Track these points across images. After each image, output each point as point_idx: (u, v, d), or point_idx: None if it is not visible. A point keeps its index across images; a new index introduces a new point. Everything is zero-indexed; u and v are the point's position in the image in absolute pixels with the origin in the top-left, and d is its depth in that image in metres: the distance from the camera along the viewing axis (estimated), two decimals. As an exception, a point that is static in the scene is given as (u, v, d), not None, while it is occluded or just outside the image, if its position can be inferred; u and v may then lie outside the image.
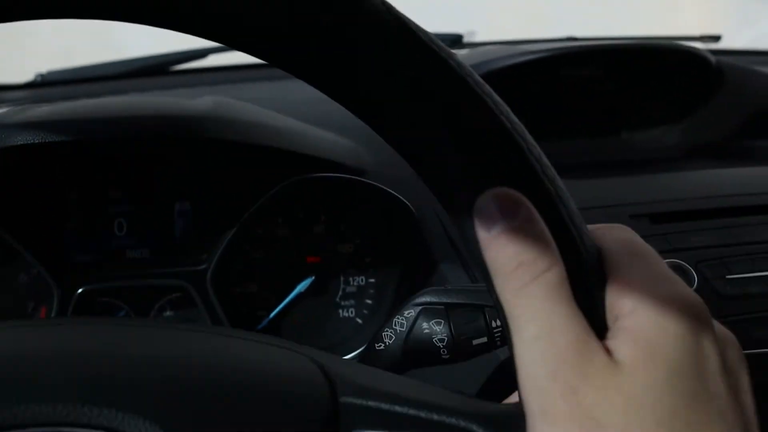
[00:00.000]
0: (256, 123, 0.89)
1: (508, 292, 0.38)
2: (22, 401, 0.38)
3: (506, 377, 0.69)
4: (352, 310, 0.98)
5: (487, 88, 0.40)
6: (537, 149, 0.41)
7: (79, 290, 0.90)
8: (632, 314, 0.37)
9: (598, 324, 0.39)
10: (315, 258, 0.97)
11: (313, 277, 0.96)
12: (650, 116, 1.32)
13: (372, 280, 0.98)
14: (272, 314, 0.96)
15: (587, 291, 0.39)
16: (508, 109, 0.41)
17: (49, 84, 1.38)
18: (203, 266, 0.91)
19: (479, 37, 1.63)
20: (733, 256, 0.87)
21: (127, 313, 0.93)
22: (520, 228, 0.38)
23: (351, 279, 0.98)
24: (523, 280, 0.37)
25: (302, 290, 0.96)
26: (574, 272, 0.39)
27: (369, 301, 0.98)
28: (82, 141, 0.83)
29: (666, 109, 1.32)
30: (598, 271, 0.40)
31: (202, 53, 1.41)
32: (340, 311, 0.98)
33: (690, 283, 0.83)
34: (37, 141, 0.82)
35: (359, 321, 0.98)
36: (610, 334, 0.38)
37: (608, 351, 0.37)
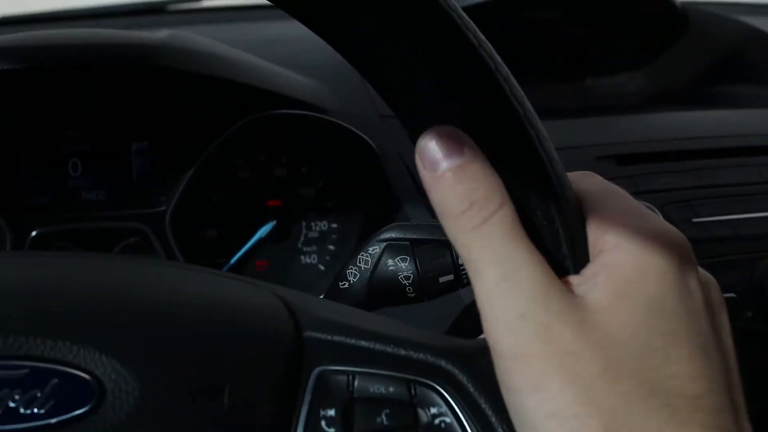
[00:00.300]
0: (212, 54, 0.86)
1: (461, 234, 0.36)
2: None
3: (473, 318, 0.68)
4: (315, 256, 0.96)
5: (472, 24, 0.39)
6: (511, 79, 0.39)
7: (33, 233, 0.87)
8: (615, 250, 0.36)
9: (576, 262, 0.38)
10: (276, 201, 0.95)
11: (274, 222, 0.94)
12: (614, 62, 1.31)
13: (334, 225, 0.96)
14: (233, 260, 0.94)
15: (566, 229, 0.38)
16: (489, 46, 0.39)
17: (26, 21, 1.34)
18: (162, 208, 0.89)
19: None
20: (699, 198, 0.86)
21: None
22: (465, 166, 0.36)
23: (313, 224, 0.96)
24: (475, 221, 0.36)
25: (263, 235, 0.94)
26: (553, 209, 0.38)
27: (332, 247, 0.96)
28: (30, 69, 0.79)
29: (629, 55, 1.30)
30: (578, 209, 0.39)
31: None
32: (302, 257, 0.96)
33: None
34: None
35: (321, 267, 0.96)
36: (588, 270, 0.37)
37: (585, 288, 0.36)
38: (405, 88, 0.41)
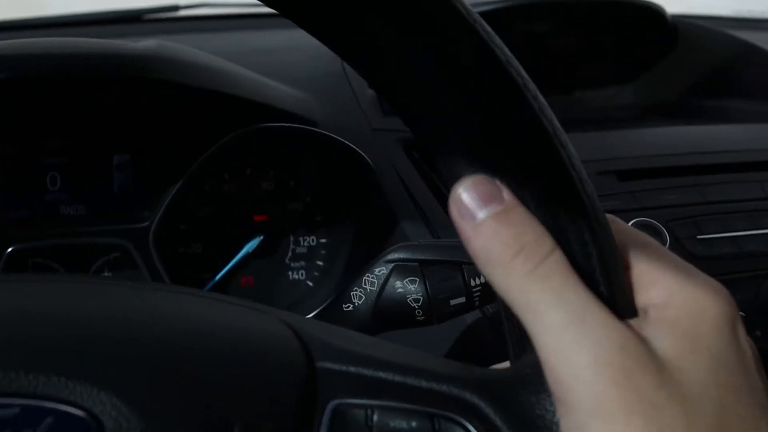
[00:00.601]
0: (202, 65, 0.82)
1: (514, 279, 0.34)
2: None
3: (479, 340, 0.65)
4: (303, 272, 0.93)
5: (498, 39, 0.37)
6: (540, 97, 0.37)
7: (9, 249, 0.83)
8: (666, 306, 0.34)
9: (624, 312, 0.35)
10: (263, 216, 0.92)
11: (261, 237, 0.91)
12: (603, 75, 1.30)
13: (323, 240, 0.93)
14: (218, 276, 0.90)
15: (608, 278, 0.36)
16: (517, 62, 0.37)
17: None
18: (145, 224, 0.85)
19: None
20: (704, 215, 0.84)
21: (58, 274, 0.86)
22: (508, 212, 0.35)
23: (301, 239, 0.93)
24: (529, 265, 0.34)
25: (249, 251, 0.91)
26: (597, 257, 0.36)
27: (320, 263, 0.93)
28: (10, 79, 0.75)
29: (619, 68, 1.29)
30: (615, 244, 0.37)
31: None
32: (290, 273, 0.93)
33: (662, 242, 0.80)
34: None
35: (310, 284, 0.93)
36: (643, 326, 0.35)
37: (648, 334, 0.34)
38: (428, 108, 0.38)
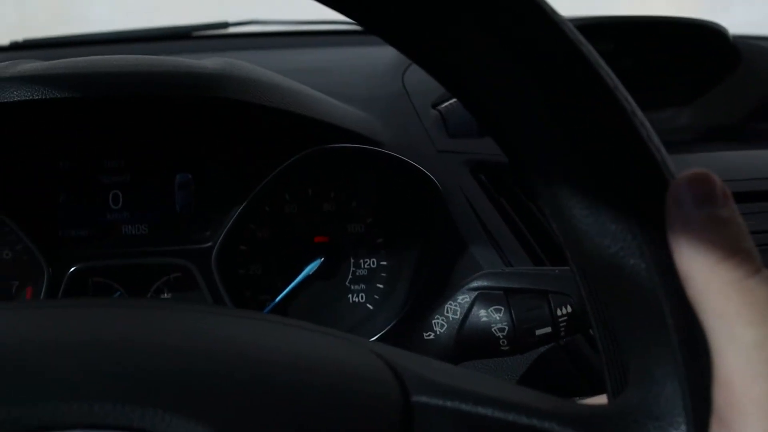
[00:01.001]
0: (271, 85, 0.81)
1: (717, 283, 0.33)
2: (49, 399, 0.31)
3: (554, 370, 0.64)
4: (363, 294, 0.91)
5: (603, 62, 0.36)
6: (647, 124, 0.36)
7: (72, 269, 0.82)
8: None
9: None
10: (323, 238, 0.91)
11: (322, 259, 0.89)
12: (661, 96, 1.28)
13: (384, 263, 0.91)
14: (278, 298, 0.89)
15: None
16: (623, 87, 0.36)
17: (50, 45, 1.31)
18: (208, 244, 0.84)
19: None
20: (780, 242, 0.82)
21: (122, 294, 0.85)
22: (731, 216, 0.34)
23: (362, 261, 0.91)
24: (739, 273, 0.33)
25: (310, 273, 0.89)
26: None
27: (381, 286, 0.91)
28: (80, 98, 0.75)
29: (678, 89, 1.27)
30: None
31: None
32: (350, 296, 0.91)
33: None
34: (33, 97, 0.73)
35: (370, 306, 0.91)
36: None
37: None
38: (526, 130, 0.38)
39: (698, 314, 0.34)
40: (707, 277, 0.33)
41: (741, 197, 0.89)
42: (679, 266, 0.34)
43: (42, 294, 0.82)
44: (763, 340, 0.32)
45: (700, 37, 1.19)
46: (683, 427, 0.35)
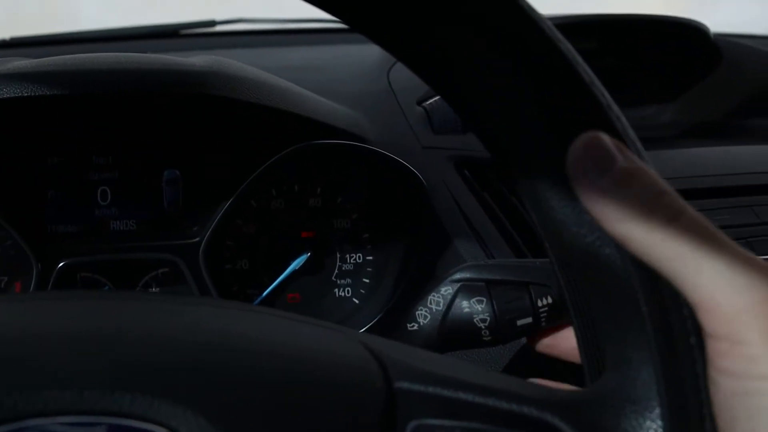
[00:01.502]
0: (258, 82, 0.82)
1: (659, 231, 0.34)
2: (43, 387, 0.32)
3: (535, 359, 0.65)
4: (349, 289, 0.92)
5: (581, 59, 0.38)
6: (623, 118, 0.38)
7: (60, 264, 0.83)
8: None
9: None
10: (310, 233, 0.92)
11: (308, 254, 0.90)
12: (645, 93, 1.29)
13: (370, 258, 0.92)
14: (265, 293, 0.90)
15: None
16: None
17: (38, 43, 1.32)
18: (195, 239, 0.85)
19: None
20: (757, 236, 0.83)
21: (110, 289, 0.86)
22: (638, 168, 0.35)
23: (348, 256, 0.92)
24: (672, 212, 0.34)
25: (296, 267, 0.90)
26: None
27: (366, 280, 0.92)
28: (69, 95, 0.76)
29: (661, 86, 1.28)
30: None
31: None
32: (336, 290, 0.92)
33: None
34: (22, 94, 0.74)
35: (356, 301, 0.92)
36: None
37: None
38: (506, 124, 0.39)
39: (655, 269, 0.35)
40: (646, 231, 0.34)
41: (718, 192, 0.91)
42: (611, 233, 0.35)
43: (31, 289, 0.83)
44: (730, 261, 0.33)
45: (681, 35, 1.21)
46: (657, 410, 0.36)
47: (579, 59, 0.37)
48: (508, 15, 0.36)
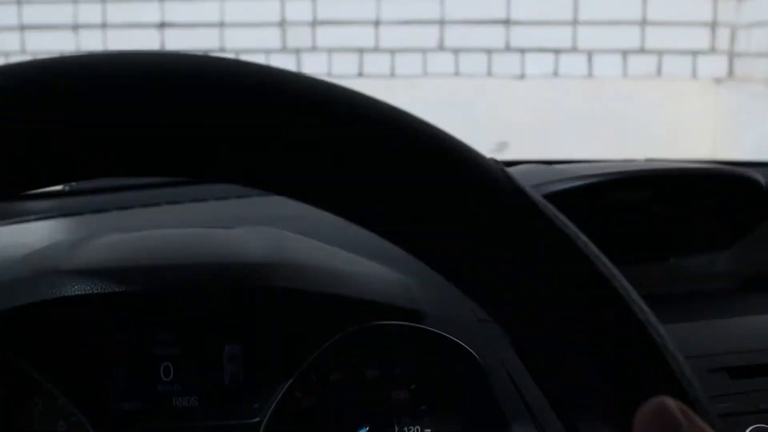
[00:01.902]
0: (320, 269, 0.85)
1: None
2: None
3: None
4: (407, 463, 0.92)
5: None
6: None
7: (125, 443, 0.85)
8: None
9: None
10: (368, 405, 0.92)
11: (367, 427, 0.91)
12: (698, 242, 1.29)
13: (428, 430, 0.92)
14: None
15: None
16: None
17: (76, 194, 1.35)
18: (256, 419, 0.86)
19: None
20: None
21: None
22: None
23: (406, 428, 0.92)
24: None
25: (355, 442, 0.91)
26: None
27: (426, 453, 0.92)
28: (139, 292, 0.78)
29: (714, 235, 1.28)
30: None
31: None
32: (395, 464, 0.92)
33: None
34: (93, 291, 0.77)
35: (415, 473, 0.92)
36: None
37: None
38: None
39: None
40: None
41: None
42: None
43: (94, 468, 0.84)
44: None
45: (734, 184, 1.21)
46: None
47: (653, 320, 0.39)
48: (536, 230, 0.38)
